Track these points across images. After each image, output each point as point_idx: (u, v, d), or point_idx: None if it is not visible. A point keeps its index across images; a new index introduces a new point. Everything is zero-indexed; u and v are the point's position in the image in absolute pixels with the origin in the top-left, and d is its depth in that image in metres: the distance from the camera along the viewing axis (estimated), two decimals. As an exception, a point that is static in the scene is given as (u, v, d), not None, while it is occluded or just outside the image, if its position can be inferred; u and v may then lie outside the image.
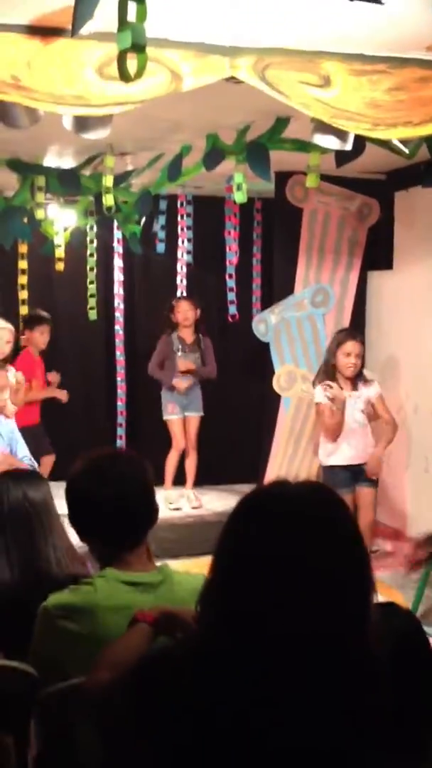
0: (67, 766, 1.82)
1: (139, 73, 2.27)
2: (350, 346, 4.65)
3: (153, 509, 2.01)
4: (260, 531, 1.20)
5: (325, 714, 1.13)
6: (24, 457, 3.98)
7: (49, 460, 5.63)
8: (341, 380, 4.67)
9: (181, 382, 5.77)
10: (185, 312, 5.78)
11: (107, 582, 1.89)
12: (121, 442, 6.27)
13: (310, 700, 1.14)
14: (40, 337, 5.70)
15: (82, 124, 2.84)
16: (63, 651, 1.84)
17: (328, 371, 4.69)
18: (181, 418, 5.85)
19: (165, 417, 5.84)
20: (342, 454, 4.70)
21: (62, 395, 5.66)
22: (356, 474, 4.71)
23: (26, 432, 5.16)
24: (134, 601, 1.80)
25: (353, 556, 1.20)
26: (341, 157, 3.63)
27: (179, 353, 5.77)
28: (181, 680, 1.21)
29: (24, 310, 5.78)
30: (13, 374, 4.44)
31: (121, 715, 1.34)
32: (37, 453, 5.20)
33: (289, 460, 5.63)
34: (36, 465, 4.14)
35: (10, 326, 4.88)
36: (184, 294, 6.30)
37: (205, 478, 6.04)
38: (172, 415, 5.82)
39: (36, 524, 2.45)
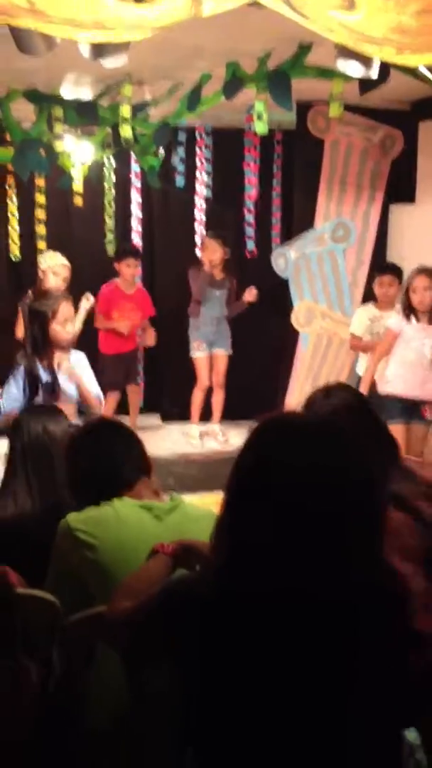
0: (88, 691, 1.89)
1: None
2: (417, 280, 4.57)
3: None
4: (266, 465, 1.22)
5: (336, 643, 1.17)
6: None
7: (133, 390, 5.81)
8: (420, 314, 4.58)
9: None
10: (210, 252, 5.62)
11: (123, 503, 1.97)
12: (140, 378, 6.29)
13: (324, 629, 1.17)
14: (126, 269, 5.68)
15: (99, 50, 2.77)
16: (81, 563, 1.90)
17: (407, 306, 4.62)
18: (208, 355, 5.83)
19: (191, 354, 5.82)
20: (399, 384, 4.62)
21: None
22: (411, 409, 4.67)
23: (115, 359, 5.47)
24: (150, 521, 1.88)
25: (362, 498, 1.21)
26: (365, 84, 3.53)
27: (207, 288, 5.65)
28: (202, 609, 1.24)
29: (41, 244, 5.75)
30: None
31: (144, 641, 1.39)
32: (122, 381, 5.58)
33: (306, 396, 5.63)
34: (102, 400, 4.09)
35: (65, 261, 4.90)
36: (203, 230, 6.21)
37: (231, 414, 6.05)
38: (198, 352, 5.79)
39: (55, 456, 2.49)
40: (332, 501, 1.18)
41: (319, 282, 5.59)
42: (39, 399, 3.74)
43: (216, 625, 1.22)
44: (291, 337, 5.71)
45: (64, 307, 3.82)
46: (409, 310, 4.57)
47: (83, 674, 1.89)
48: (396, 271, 5.00)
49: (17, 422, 2.61)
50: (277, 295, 5.79)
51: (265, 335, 6.17)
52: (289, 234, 5.93)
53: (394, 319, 4.67)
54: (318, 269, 5.59)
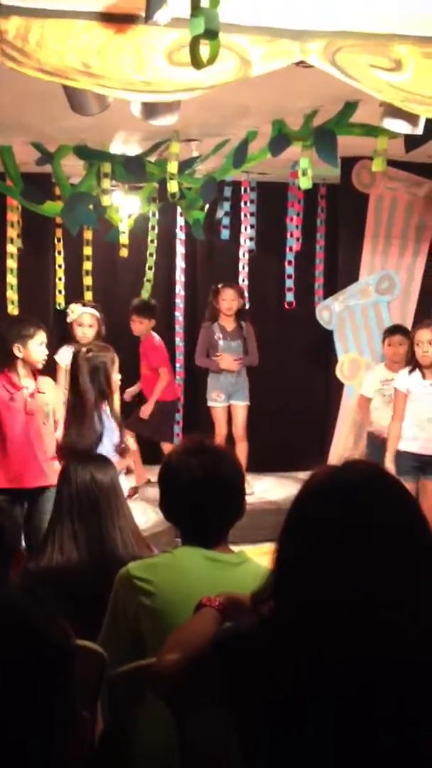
0: (132, 743, 1.86)
1: (212, 59, 2.27)
2: (420, 334, 4.57)
3: (240, 507, 2.04)
4: (327, 515, 1.23)
5: (407, 693, 1.14)
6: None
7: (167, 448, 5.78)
8: (424, 370, 4.58)
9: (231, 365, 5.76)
10: (229, 301, 5.74)
11: (188, 551, 1.96)
12: (178, 428, 6.31)
13: (389, 680, 1.16)
14: (132, 325, 5.91)
15: (150, 110, 2.85)
16: (138, 610, 1.90)
17: (411, 361, 4.63)
18: (226, 406, 5.84)
19: (209, 403, 5.85)
20: (411, 442, 4.61)
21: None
22: (424, 465, 4.63)
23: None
24: (212, 575, 1.86)
25: (420, 532, 1.23)
26: (411, 141, 3.56)
27: (221, 342, 5.76)
28: (260, 660, 1.24)
29: (88, 295, 5.85)
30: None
31: (192, 692, 1.39)
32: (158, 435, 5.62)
33: (351, 448, 5.58)
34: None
35: (93, 311, 4.99)
36: (245, 281, 6.28)
37: (263, 466, 6.02)
38: (216, 402, 5.82)
39: (103, 506, 2.50)
40: (398, 537, 1.20)
41: (364, 334, 5.58)
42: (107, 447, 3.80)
43: (269, 674, 1.22)
44: (334, 390, 5.68)
45: (115, 358, 3.99)
46: (413, 365, 4.55)
47: (131, 725, 1.87)
48: (405, 332, 4.98)
49: (65, 469, 2.63)
50: (320, 348, 5.79)
51: (307, 387, 6.17)
52: (333, 287, 5.96)
53: (399, 379, 4.66)
54: (363, 321, 5.59)
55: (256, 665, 1.24)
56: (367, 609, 1.17)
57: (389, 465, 4.48)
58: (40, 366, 4.25)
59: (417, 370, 4.56)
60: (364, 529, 1.21)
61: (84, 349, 4.01)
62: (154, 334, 6.04)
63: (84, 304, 5.38)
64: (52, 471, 4.10)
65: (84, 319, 5.06)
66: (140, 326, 5.94)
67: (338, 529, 1.21)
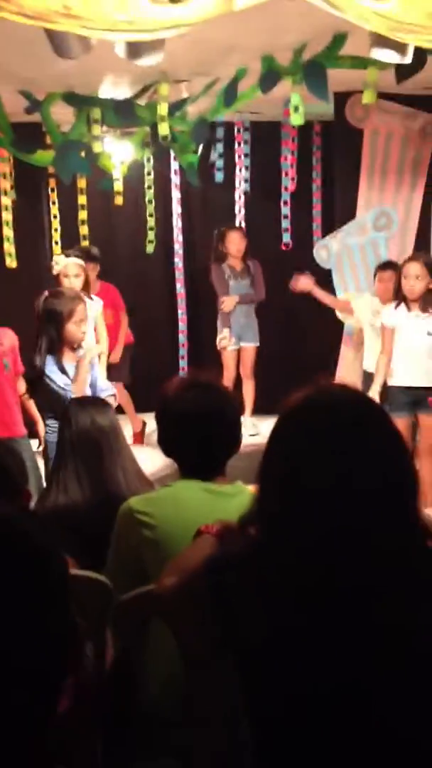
0: (142, 668, 1.95)
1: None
2: (407, 267, 4.56)
3: (237, 440, 2.09)
4: (303, 437, 1.29)
5: (379, 598, 1.21)
6: (104, 389, 4.05)
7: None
8: (410, 303, 4.59)
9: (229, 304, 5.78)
10: (237, 243, 5.77)
11: (186, 484, 2.02)
12: (183, 374, 6.35)
13: (367, 590, 1.22)
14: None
15: (135, 50, 2.82)
16: (140, 542, 1.96)
17: (398, 295, 4.64)
18: (236, 349, 5.88)
19: (219, 346, 5.89)
20: (402, 375, 4.62)
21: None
22: (418, 399, 4.65)
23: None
24: (210, 505, 1.91)
25: (394, 462, 1.27)
26: (401, 71, 3.52)
27: (231, 281, 5.79)
28: (247, 578, 1.30)
29: (85, 244, 5.83)
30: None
31: (193, 614, 1.45)
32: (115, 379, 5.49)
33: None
34: (116, 394, 4.22)
35: (78, 260, 4.97)
36: (242, 224, 6.25)
37: (265, 407, 6.07)
38: (226, 344, 5.86)
39: (104, 448, 2.56)
40: (370, 466, 1.24)
41: (363, 272, 5.57)
42: None
43: (256, 590, 1.28)
44: (336, 328, 5.69)
45: (80, 308, 3.93)
46: (400, 298, 4.55)
47: (138, 650, 1.95)
48: (396, 267, 4.96)
49: (65, 413, 2.68)
50: (320, 287, 5.78)
51: (308, 328, 6.18)
52: (330, 226, 5.92)
53: (386, 314, 4.67)
54: (361, 259, 5.57)
55: (243, 583, 1.30)
56: (346, 530, 1.21)
57: (374, 396, 4.46)
58: None
59: (403, 303, 4.56)
60: (338, 442, 1.25)
61: (46, 293, 4.03)
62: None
63: (68, 255, 5.34)
64: (19, 421, 4.18)
65: (69, 269, 5.02)
66: (93, 274, 5.79)
67: (314, 448, 1.25)
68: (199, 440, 2.02)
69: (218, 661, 1.44)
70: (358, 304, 5.23)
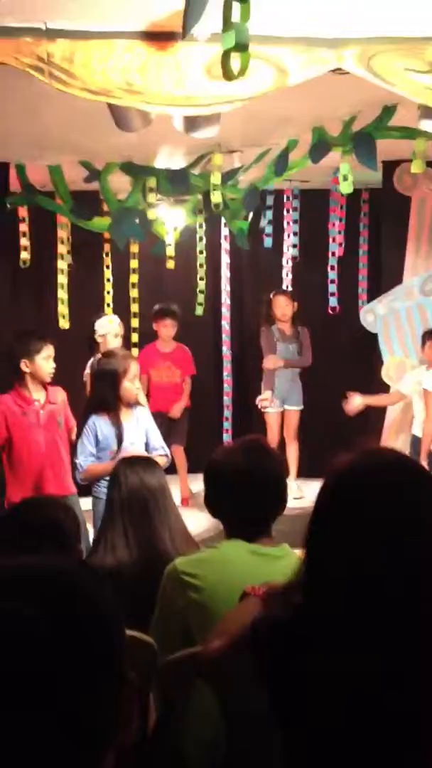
0: (185, 729, 1.93)
1: (242, 71, 2.36)
2: None
3: (282, 500, 2.10)
4: (355, 499, 1.28)
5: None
6: (157, 448, 4.11)
7: (176, 451, 5.84)
8: None
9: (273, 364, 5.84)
10: (283, 307, 5.89)
11: (232, 545, 2.02)
12: (227, 436, 6.37)
13: (420, 662, 1.20)
14: (163, 329, 5.91)
15: (192, 123, 2.95)
16: (187, 604, 1.96)
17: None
18: (279, 411, 5.90)
19: (259, 406, 5.92)
20: None
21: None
22: None
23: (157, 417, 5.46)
24: (256, 567, 1.91)
25: None
26: (449, 142, 3.60)
27: (278, 344, 5.88)
28: (293, 645, 1.29)
29: (135, 308, 5.98)
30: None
31: (236, 674, 1.45)
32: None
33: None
34: (169, 454, 4.27)
35: (117, 320, 5.11)
36: (289, 288, 6.35)
37: (309, 470, 6.05)
38: (270, 407, 5.89)
39: (152, 507, 2.58)
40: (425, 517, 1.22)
41: (409, 337, 5.58)
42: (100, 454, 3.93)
43: (301, 655, 1.27)
44: (381, 393, 5.69)
45: (134, 366, 4.03)
46: None
47: (181, 715, 1.93)
48: None
49: (114, 473, 2.72)
50: (365, 352, 5.81)
51: (352, 390, 6.17)
52: (377, 291, 5.98)
53: (427, 379, 4.67)
54: (407, 324, 5.59)
55: (288, 649, 1.29)
56: (395, 592, 1.21)
57: (423, 464, 4.46)
58: (47, 379, 4.35)
59: None
60: (387, 509, 1.24)
61: (98, 355, 4.12)
62: None
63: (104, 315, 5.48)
64: (69, 479, 4.24)
65: (118, 329, 5.15)
66: (171, 330, 6.00)
67: (359, 513, 1.25)
68: (245, 500, 2.03)
69: (262, 726, 1.43)
70: (405, 384, 5.23)
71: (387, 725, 1.20)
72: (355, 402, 5.19)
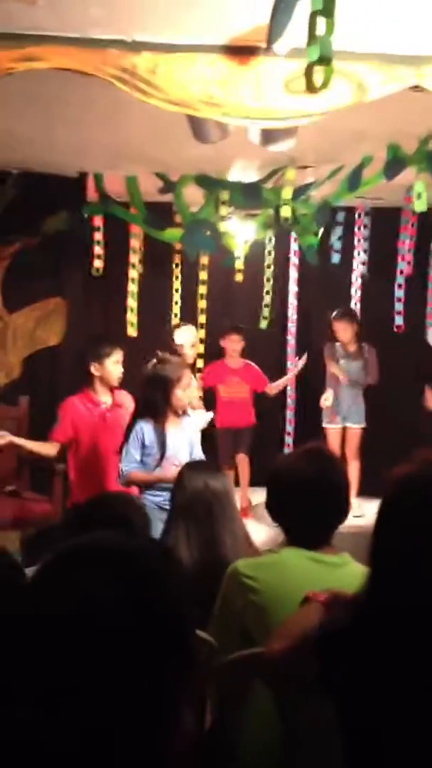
0: (241, 731, 1.94)
1: (325, 84, 2.39)
2: None
3: (345, 508, 2.11)
4: (416, 507, 1.30)
5: None
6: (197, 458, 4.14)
7: (241, 459, 5.89)
8: None
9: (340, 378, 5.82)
10: (341, 332, 5.89)
11: (293, 552, 2.03)
12: (288, 451, 6.37)
13: None
14: (230, 345, 5.97)
15: (268, 136, 3.00)
16: (245, 606, 1.98)
17: None
18: (340, 428, 5.86)
19: (324, 425, 5.89)
20: None
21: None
22: None
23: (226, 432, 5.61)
24: (315, 574, 1.92)
25: None
26: None
27: (342, 360, 5.84)
28: (357, 653, 1.29)
29: (202, 319, 6.04)
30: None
31: (298, 679, 1.45)
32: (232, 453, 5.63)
33: None
34: None
35: (195, 332, 5.16)
36: (357, 305, 6.33)
37: (370, 489, 5.98)
38: (329, 423, 5.87)
39: (216, 511, 2.60)
40: None
41: None
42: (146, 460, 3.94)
43: (364, 666, 1.27)
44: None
45: (187, 375, 4.07)
46: None
47: (237, 719, 1.94)
48: None
49: (179, 476, 2.76)
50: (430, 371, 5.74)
51: (419, 410, 6.10)
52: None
53: None
54: None
55: (350, 656, 1.30)
56: None
57: None
58: (116, 383, 4.42)
59: None
60: None
61: (154, 360, 4.16)
62: None
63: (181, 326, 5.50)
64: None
65: (186, 340, 5.20)
66: (238, 345, 6.02)
67: (422, 521, 1.26)
68: (307, 507, 2.04)
69: (319, 732, 1.44)
70: None
71: None
72: None
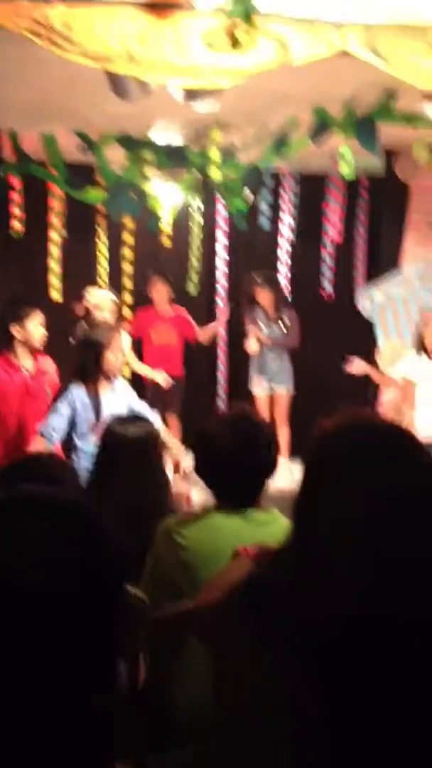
0: (175, 687, 1.94)
1: (249, 42, 2.31)
2: (429, 316, 4.62)
3: (271, 466, 2.11)
4: (342, 456, 1.29)
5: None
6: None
7: (171, 420, 5.81)
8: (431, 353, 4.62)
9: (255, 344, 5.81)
10: (263, 298, 5.83)
11: (222, 510, 2.04)
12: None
13: (401, 605, 1.22)
14: (156, 294, 5.85)
15: (192, 94, 2.91)
16: (176, 563, 1.99)
17: (417, 345, 4.68)
18: (268, 394, 5.88)
19: (252, 390, 5.91)
20: (427, 426, 4.52)
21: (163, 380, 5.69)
22: None
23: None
24: (245, 531, 1.93)
25: (422, 483, 1.25)
26: (452, 129, 3.56)
27: (263, 325, 5.83)
28: (284, 598, 1.31)
29: (128, 283, 5.94)
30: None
31: (228, 631, 1.45)
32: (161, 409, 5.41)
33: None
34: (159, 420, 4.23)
35: (113, 297, 5.04)
36: (287, 272, 6.32)
37: (300, 453, 6.04)
38: (258, 389, 5.88)
39: (141, 461, 2.58)
40: (407, 482, 1.24)
41: (405, 322, 5.57)
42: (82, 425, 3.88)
43: (293, 610, 1.29)
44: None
45: (117, 339, 3.99)
46: (419, 348, 4.59)
47: (169, 674, 1.94)
48: None
49: (106, 428, 2.74)
50: (361, 336, 5.79)
51: (348, 376, 6.18)
52: (374, 277, 5.95)
53: (405, 365, 4.67)
54: (404, 311, 5.58)
55: (280, 604, 1.31)
56: (377, 546, 1.21)
57: None
58: (38, 345, 4.30)
59: (424, 353, 4.59)
60: (375, 467, 1.25)
61: (84, 324, 4.06)
62: None
63: (100, 287, 5.38)
64: (55, 449, 4.22)
65: (104, 304, 5.02)
66: (165, 294, 5.89)
67: (346, 470, 1.26)
68: (234, 467, 2.05)
69: (255, 680, 1.45)
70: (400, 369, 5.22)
71: (384, 668, 1.22)
72: (356, 365, 5.10)
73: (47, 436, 3.84)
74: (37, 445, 3.81)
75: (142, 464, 2.59)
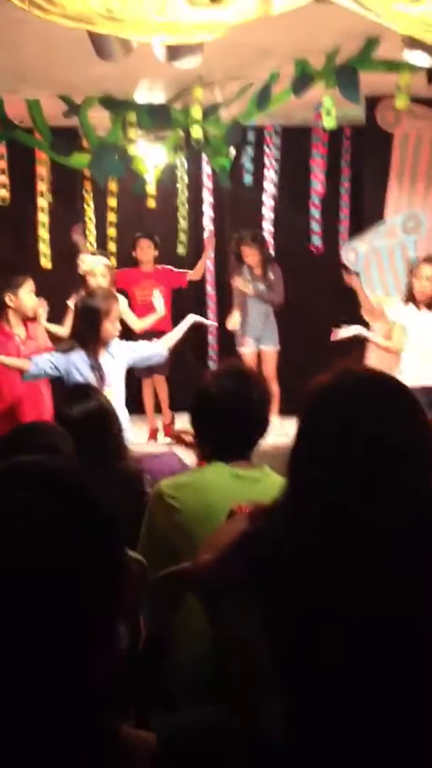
0: (176, 646, 2.00)
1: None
2: (420, 269, 4.62)
3: (264, 422, 2.15)
4: (331, 411, 1.33)
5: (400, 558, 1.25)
6: (151, 347, 4.23)
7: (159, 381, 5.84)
8: (420, 303, 4.64)
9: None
10: (249, 256, 5.76)
11: (215, 468, 2.07)
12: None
13: (387, 553, 1.27)
14: (141, 253, 5.82)
15: (174, 52, 2.91)
16: (169, 525, 2.03)
17: (406, 295, 4.71)
18: (255, 351, 5.90)
19: (238, 349, 5.92)
20: (418, 376, 4.50)
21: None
22: None
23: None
24: (237, 490, 1.96)
25: (415, 433, 1.30)
26: (432, 74, 3.57)
27: (249, 283, 5.81)
28: (278, 554, 1.35)
29: (112, 246, 5.92)
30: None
31: (225, 587, 1.50)
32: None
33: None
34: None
35: (105, 260, 5.05)
36: (271, 227, 6.32)
37: (290, 410, 6.08)
38: (244, 347, 5.91)
39: (98, 428, 2.71)
40: (394, 434, 1.28)
41: (390, 275, 5.61)
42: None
43: (286, 566, 1.33)
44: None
45: (116, 307, 4.04)
46: (410, 297, 4.61)
47: (170, 633, 2.00)
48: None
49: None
50: (347, 291, 5.82)
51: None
52: (358, 229, 5.97)
53: (395, 311, 4.70)
54: (389, 262, 5.61)
55: (275, 559, 1.34)
56: (370, 502, 1.26)
57: None
58: (31, 314, 4.34)
59: (411, 302, 4.62)
60: (369, 424, 1.29)
61: (82, 292, 4.08)
62: None
63: (93, 254, 5.36)
64: (49, 415, 4.27)
65: (97, 269, 5.04)
66: (150, 252, 5.84)
67: (339, 428, 1.29)
68: (227, 421, 2.08)
69: (254, 635, 1.49)
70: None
71: (378, 627, 1.26)
72: (344, 330, 5.01)
73: (34, 361, 3.93)
74: (19, 362, 3.97)
75: (92, 439, 2.63)
